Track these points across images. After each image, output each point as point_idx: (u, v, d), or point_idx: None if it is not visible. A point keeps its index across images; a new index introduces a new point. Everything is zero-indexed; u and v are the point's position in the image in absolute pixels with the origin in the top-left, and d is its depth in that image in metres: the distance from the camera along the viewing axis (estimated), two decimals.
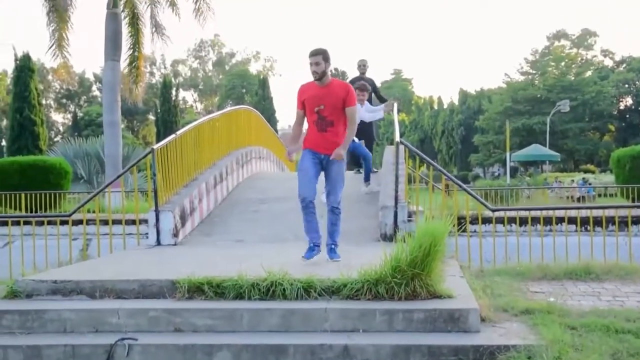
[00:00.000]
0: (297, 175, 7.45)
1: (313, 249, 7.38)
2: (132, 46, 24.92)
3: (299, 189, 7.33)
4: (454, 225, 8.38)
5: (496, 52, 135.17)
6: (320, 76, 7.22)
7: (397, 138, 9.96)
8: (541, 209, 11.46)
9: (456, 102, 77.60)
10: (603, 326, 5.62)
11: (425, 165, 15.36)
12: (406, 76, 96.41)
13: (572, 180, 41.36)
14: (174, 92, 59.33)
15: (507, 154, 43.82)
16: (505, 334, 5.49)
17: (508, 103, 67.41)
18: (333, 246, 7.45)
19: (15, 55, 42.82)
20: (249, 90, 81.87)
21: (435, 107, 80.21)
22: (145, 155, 10.16)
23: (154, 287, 6.24)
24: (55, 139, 75.05)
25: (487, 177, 65.52)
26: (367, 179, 12.26)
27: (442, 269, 6.24)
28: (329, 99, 7.24)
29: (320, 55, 7.19)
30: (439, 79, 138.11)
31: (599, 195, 31.89)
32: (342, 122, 7.35)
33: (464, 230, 9.48)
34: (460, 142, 73.28)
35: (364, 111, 11.91)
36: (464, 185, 9.82)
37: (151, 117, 78.56)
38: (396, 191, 9.38)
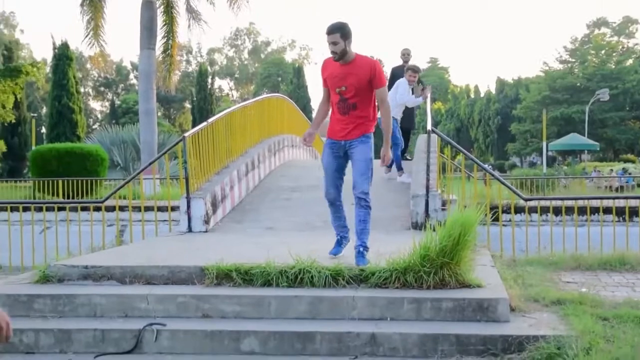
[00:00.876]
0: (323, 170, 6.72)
1: (340, 242, 6.80)
2: (166, 34, 25.06)
3: (323, 187, 6.64)
4: (486, 215, 8.30)
5: (535, 40, 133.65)
6: (340, 56, 6.20)
7: (429, 126, 9.87)
8: (575, 199, 11.28)
9: (493, 91, 76.87)
10: (636, 317, 5.51)
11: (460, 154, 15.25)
12: (442, 65, 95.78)
13: (611, 170, 40.73)
14: (209, 81, 59.68)
15: (544, 143, 43.31)
16: (535, 324, 5.42)
17: (546, 92, 66.54)
18: (361, 249, 6.31)
19: (54, 43, 43.39)
20: (284, 78, 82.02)
21: (472, 95, 79.56)
22: (177, 143, 10.21)
23: (183, 273, 6.27)
24: (93, 127, 75.94)
25: (524, 166, 64.86)
26: (399, 168, 12.17)
27: (472, 258, 6.18)
28: (351, 78, 6.22)
29: (337, 33, 6.12)
30: (476, 67, 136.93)
31: (639, 185, 31.38)
32: (368, 106, 6.34)
33: (497, 220, 9.38)
34: (497, 131, 72.62)
35: (408, 95, 11.85)
36: (497, 174, 9.71)
37: (187, 105, 79.12)
38: (427, 180, 9.31)
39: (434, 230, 5.95)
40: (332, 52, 6.20)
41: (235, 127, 12.01)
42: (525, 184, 22.90)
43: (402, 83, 11.86)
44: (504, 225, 9.25)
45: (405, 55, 13.97)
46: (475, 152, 72.15)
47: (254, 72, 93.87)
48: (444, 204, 9.58)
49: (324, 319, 5.53)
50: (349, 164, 6.55)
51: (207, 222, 9.67)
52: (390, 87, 13.77)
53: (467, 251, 5.96)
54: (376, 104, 6.44)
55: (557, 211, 11.10)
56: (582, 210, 11.13)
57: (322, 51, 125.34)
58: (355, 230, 6.50)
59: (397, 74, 13.45)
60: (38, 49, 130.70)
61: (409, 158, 13.35)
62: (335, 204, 6.61)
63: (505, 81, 77.82)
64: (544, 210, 11.48)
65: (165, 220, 10.79)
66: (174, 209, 10.42)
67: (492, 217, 9.28)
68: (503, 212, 9.79)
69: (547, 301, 6.07)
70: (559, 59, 73.19)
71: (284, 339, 5.30)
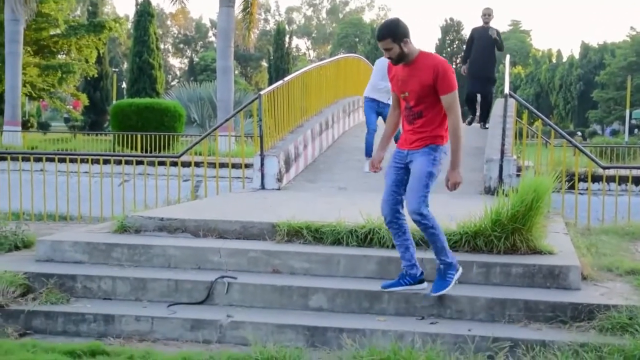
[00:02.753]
0: None
1: (401, 276, 5.41)
2: None
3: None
4: (561, 182, 8.15)
5: (622, 3, 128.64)
6: (397, 60, 5.18)
7: (507, 90, 9.69)
8: None
9: (576, 56, 74.65)
10: None
11: (539, 120, 14.91)
12: (524, 28, 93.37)
13: None
14: (287, 40, 59.73)
15: (627, 111, 41.96)
16: (606, 293, 5.34)
17: (632, 57, 64.14)
18: (442, 266, 5.26)
19: (136, 0, 44.06)
20: (361, 39, 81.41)
21: (554, 60, 77.46)
22: (253, 101, 10.31)
23: (254, 229, 6.39)
24: (172, 83, 77.18)
25: (605, 135, 63.08)
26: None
27: (544, 225, 6.12)
28: (412, 83, 5.17)
29: (388, 39, 5.08)
30: (560, 31, 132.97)
31: None
32: (437, 114, 5.19)
33: (573, 187, 9.20)
34: (578, 97, 70.65)
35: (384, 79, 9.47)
36: (575, 141, 9.49)
37: (264, 64, 79.47)
38: (502, 144, 9.17)
39: (506, 195, 5.89)
40: (389, 58, 5.26)
41: (310, 87, 12.04)
42: (605, 152, 22.32)
43: (381, 65, 10.40)
44: (580, 193, 9.06)
45: (486, 15, 13.29)
46: (555, 119, 70.42)
47: (331, 32, 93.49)
48: (518, 170, 9.44)
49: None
50: None
51: (279, 180, 9.77)
52: (470, 46, 13.45)
53: (540, 217, 5.89)
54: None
55: (636, 181, 10.80)
56: None
57: (400, 11, 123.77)
58: None
59: (476, 36, 13.15)
60: (121, 5, 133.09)
61: (487, 127, 12.53)
62: (392, 227, 5.34)
63: (590, 46, 75.38)
64: (623, 179, 11.19)
65: (239, 177, 10.96)
66: (247, 166, 10.57)
67: (568, 184, 9.10)
68: (580, 180, 9.59)
69: (620, 271, 5.96)
70: None
71: (351, 297, 5.36)
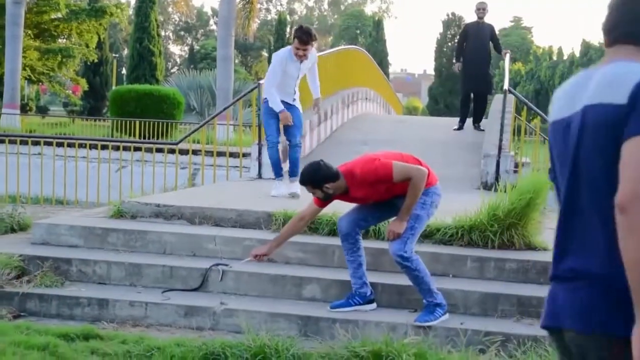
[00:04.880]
0: None
1: (351, 297, 5.21)
2: None
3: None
4: None
5: None
6: (325, 197, 5.07)
7: (506, 86, 9.70)
8: None
9: (577, 54, 74.62)
10: None
11: (538, 117, 14.89)
12: (526, 24, 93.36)
13: None
14: (288, 30, 59.52)
15: None
16: None
17: None
18: (425, 302, 5.02)
19: None
20: (362, 31, 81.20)
21: (555, 58, 77.43)
22: (252, 90, 10.31)
23: (250, 217, 6.40)
24: (172, 70, 77.01)
25: None
26: (278, 174, 8.22)
27: (540, 221, 6.13)
28: (370, 196, 5.10)
29: (308, 185, 5.07)
30: (561, 28, 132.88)
31: None
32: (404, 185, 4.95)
33: None
34: None
35: (274, 77, 7.86)
36: None
37: (264, 53, 79.32)
38: (500, 140, 9.19)
39: (505, 190, 5.91)
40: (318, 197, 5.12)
41: None
42: None
43: (282, 57, 7.85)
44: None
45: (480, 10, 12.16)
46: None
47: (333, 24, 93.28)
48: (516, 166, 9.45)
49: (386, 271, 5.58)
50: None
51: None
52: (462, 43, 12.85)
53: (536, 214, 5.92)
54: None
55: None
56: None
57: (403, 5, 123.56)
58: None
59: (470, 32, 12.21)
60: None
61: (482, 129, 12.03)
62: (347, 239, 5.20)
63: (591, 44, 75.35)
64: None
65: (236, 166, 10.96)
66: (245, 155, 10.57)
67: None
68: None
69: None
70: None
71: (345, 288, 5.38)
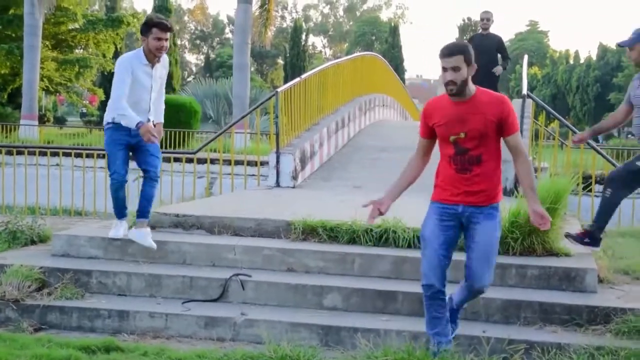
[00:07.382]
0: (421, 245, 4.65)
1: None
2: None
3: (422, 268, 4.57)
4: (578, 184, 8.10)
5: None
6: (458, 89, 4.34)
7: (524, 90, 9.63)
8: None
9: (594, 57, 74.16)
10: None
11: (555, 121, 14.77)
12: (542, 28, 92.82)
13: None
14: (303, 37, 59.75)
15: None
16: (623, 296, 5.30)
17: None
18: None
19: None
20: (378, 37, 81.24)
21: (571, 61, 77.00)
22: (269, 98, 10.31)
23: (269, 226, 6.39)
24: (188, 79, 77.32)
25: (621, 137, 62.69)
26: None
27: (561, 227, 6.08)
28: (474, 121, 4.36)
29: (460, 55, 4.32)
30: (577, 32, 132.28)
31: None
32: (496, 158, 4.47)
33: (590, 190, 9.14)
34: (595, 99, 70.23)
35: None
36: (593, 143, 9.42)
37: (280, 61, 79.49)
38: None
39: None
40: (450, 83, 4.32)
41: (327, 85, 12.01)
42: (622, 155, 22.13)
43: (128, 63, 6.18)
44: (596, 196, 8.99)
45: (485, 20, 11.27)
46: (571, 121, 70.05)
47: (348, 30, 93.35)
48: (535, 171, 9.37)
49: (406, 279, 5.56)
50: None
51: (295, 177, 9.76)
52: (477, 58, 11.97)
53: (557, 219, 5.87)
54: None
55: None
56: None
57: (418, 10, 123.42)
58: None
59: (476, 44, 10.29)
60: (139, 0, 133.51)
61: None
62: (436, 299, 4.52)
63: (608, 47, 74.88)
64: None
65: (254, 175, 10.96)
66: (263, 163, 10.56)
67: (584, 187, 9.04)
68: (596, 182, 9.51)
69: (637, 274, 5.94)
70: None
71: (366, 296, 5.36)
